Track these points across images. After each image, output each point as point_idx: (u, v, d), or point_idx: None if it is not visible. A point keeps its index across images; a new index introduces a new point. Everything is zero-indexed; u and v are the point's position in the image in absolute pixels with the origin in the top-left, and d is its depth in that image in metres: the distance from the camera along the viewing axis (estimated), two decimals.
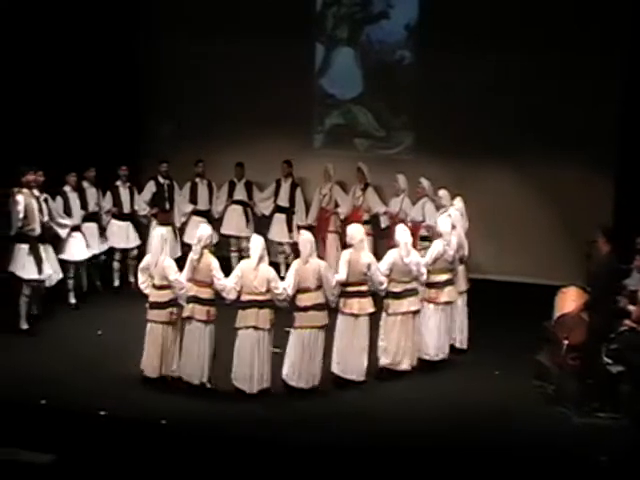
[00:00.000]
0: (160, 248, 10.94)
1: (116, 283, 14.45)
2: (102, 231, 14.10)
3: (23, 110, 13.91)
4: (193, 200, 14.95)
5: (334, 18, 15.92)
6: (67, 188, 13.40)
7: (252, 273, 10.66)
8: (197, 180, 15.03)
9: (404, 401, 10.80)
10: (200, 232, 10.91)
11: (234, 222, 15.13)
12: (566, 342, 10.56)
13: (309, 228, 14.73)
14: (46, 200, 12.59)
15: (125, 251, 14.43)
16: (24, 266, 12.11)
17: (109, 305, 13.65)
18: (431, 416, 10.41)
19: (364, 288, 11.13)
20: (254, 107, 15.72)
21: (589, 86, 14.40)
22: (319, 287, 10.83)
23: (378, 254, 11.91)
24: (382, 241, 14.07)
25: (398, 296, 11.32)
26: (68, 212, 13.24)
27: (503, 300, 13.84)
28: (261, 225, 15.06)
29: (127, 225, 14.37)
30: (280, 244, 15.03)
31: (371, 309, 11.18)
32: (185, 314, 10.78)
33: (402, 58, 15.62)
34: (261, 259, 10.74)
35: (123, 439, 9.37)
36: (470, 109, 14.98)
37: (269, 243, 14.49)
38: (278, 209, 15.18)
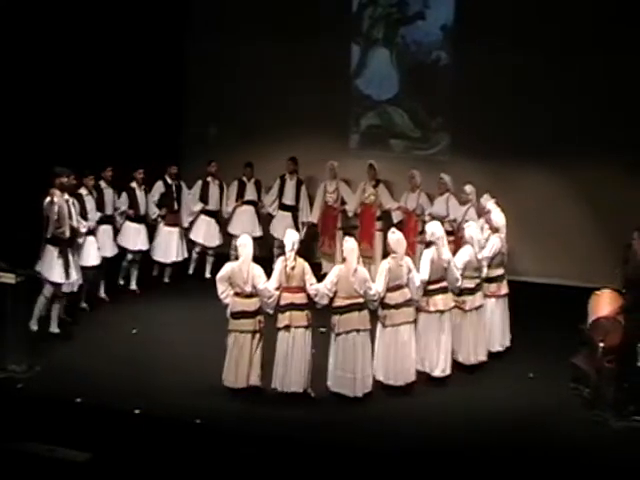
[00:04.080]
0: (251, 256, 10.69)
1: (121, 282, 14.24)
2: (115, 234, 13.79)
3: (65, 110, 14.11)
4: (203, 199, 14.81)
5: (370, 19, 15.92)
6: (83, 191, 12.94)
7: (351, 277, 10.55)
8: (209, 179, 14.86)
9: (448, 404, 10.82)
10: (291, 237, 10.68)
11: (245, 222, 14.95)
12: (602, 345, 10.51)
13: (312, 226, 14.94)
14: (74, 204, 12.29)
15: (135, 253, 14.11)
16: (52, 268, 11.87)
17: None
18: (467, 420, 10.36)
19: (445, 284, 11.23)
20: (291, 108, 15.80)
21: (627, 88, 14.28)
22: (407, 284, 10.87)
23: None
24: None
25: (472, 292, 11.51)
26: (84, 215, 12.73)
27: (541, 302, 13.73)
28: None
29: (142, 227, 14.12)
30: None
31: (452, 304, 11.30)
32: (283, 323, 10.52)
33: (438, 59, 15.60)
34: (358, 262, 10.65)
35: (161, 439, 9.47)
36: (506, 110, 14.92)
37: (270, 239, 14.90)
38: (283, 207, 15.10)
